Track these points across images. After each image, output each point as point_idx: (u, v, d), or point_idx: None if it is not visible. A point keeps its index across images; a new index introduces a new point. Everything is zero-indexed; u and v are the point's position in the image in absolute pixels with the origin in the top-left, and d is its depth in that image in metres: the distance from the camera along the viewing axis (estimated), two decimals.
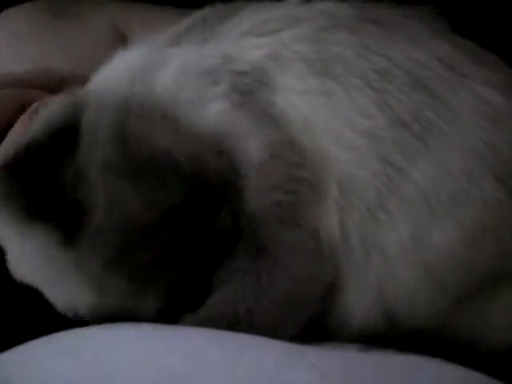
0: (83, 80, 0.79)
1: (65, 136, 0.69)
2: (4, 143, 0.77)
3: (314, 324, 0.71)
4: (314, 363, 0.62)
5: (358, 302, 0.71)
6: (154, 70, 0.73)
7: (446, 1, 0.77)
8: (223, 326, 0.68)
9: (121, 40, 0.93)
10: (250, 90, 0.72)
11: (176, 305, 0.70)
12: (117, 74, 0.74)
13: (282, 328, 0.70)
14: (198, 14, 0.78)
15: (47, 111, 0.71)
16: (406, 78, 0.72)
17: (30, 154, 0.69)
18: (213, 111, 0.71)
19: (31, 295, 0.73)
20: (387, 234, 0.70)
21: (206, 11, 0.78)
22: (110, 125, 0.70)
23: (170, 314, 0.69)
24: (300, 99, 0.72)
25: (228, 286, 0.69)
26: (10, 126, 0.78)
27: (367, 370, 0.64)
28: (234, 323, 0.69)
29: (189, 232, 0.69)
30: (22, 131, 0.75)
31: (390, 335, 0.70)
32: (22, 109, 0.79)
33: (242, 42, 0.74)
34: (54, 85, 0.84)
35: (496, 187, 0.70)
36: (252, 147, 0.70)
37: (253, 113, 0.71)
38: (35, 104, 0.78)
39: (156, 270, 0.69)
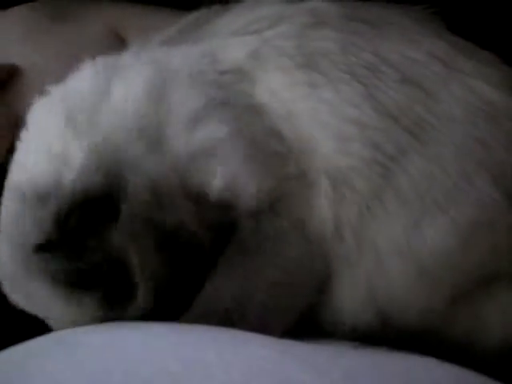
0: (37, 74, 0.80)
1: (103, 206, 0.69)
2: None
3: (307, 320, 0.71)
4: (311, 362, 0.62)
5: (350, 299, 0.71)
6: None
7: (439, 1, 0.78)
8: (215, 321, 0.68)
9: (119, 42, 0.94)
10: (230, 85, 0.73)
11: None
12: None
13: (274, 319, 0.70)
14: (193, 16, 0.79)
15: (79, 181, 0.70)
16: (395, 75, 0.72)
17: (72, 227, 0.69)
18: (200, 136, 0.71)
19: None
20: (381, 230, 0.70)
21: (200, 13, 0.79)
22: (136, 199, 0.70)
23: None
24: (283, 91, 0.72)
25: (216, 280, 0.70)
26: None
27: (363, 368, 0.64)
28: (225, 318, 0.69)
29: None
30: None
31: (384, 334, 0.71)
32: None
33: (228, 42, 0.75)
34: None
35: (490, 186, 0.70)
36: (236, 151, 0.70)
37: (235, 109, 0.72)
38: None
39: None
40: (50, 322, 0.73)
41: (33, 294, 0.72)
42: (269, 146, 0.71)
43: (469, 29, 0.78)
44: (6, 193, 0.73)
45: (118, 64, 0.75)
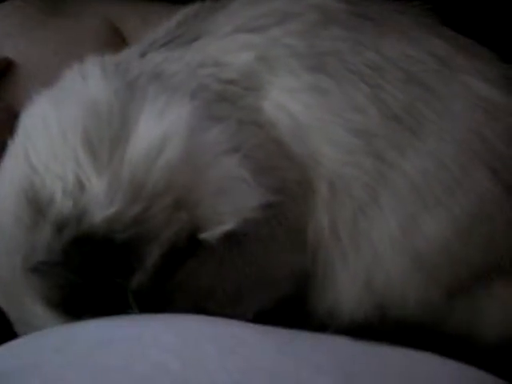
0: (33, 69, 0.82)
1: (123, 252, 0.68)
2: None
3: (305, 313, 0.72)
4: (309, 359, 0.62)
5: (348, 292, 0.72)
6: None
7: None
8: (188, 296, 0.69)
9: (116, 36, 0.93)
10: (237, 98, 0.72)
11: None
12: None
13: (243, 304, 0.71)
14: (191, 10, 0.78)
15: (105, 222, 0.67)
16: (398, 73, 0.73)
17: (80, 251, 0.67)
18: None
19: None
20: (376, 226, 0.71)
21: (198, 6, 0.78)
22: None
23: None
24: (292, 99, 0.72)
25: (195, 260, 0.69)
26: None
27: (361, 364, 0.64)
28: (196, 295, 0.70)
29: None
30: None
31: (383, 327, 0.71)
32: None
33: (231, 42, 0.75)
34: None
35: (489, 179, 0.71)
36: (231, 162, 0.70)
37: (235, 122, 0.71)
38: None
39: None
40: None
41: (22, 306, 0.71)
42: (274, 162, 0.72)
43: (465, 24, 0.78)
44: (13, 201, 0.70)
45: (130, 77, 0.73)
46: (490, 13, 0.93)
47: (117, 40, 0.92)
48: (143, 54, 0.76)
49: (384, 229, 0.71)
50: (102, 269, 0.66)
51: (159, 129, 0.69)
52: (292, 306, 0.73)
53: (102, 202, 0.67)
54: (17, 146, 0.73)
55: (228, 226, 0.68)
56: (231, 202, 0.69)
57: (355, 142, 0.71)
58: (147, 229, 0.67)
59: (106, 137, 0.69)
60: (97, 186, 0.67)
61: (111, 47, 0.81)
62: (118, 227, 0.67)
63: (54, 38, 0.91)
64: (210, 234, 0.68)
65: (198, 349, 0.61)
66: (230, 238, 0.69)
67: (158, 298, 0.68)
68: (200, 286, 0.69)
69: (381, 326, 0.71)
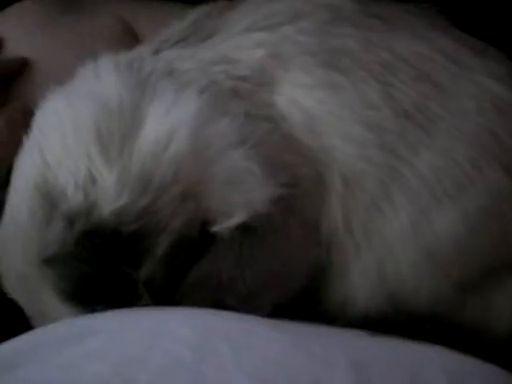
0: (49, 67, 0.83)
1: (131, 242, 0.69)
2: None
3: (318, 305, 0.73)
4: (321, 354, 0.63)
5: (361, 284, 0.72)
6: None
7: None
8: (207, 291, 0.70)
9: (129, 34, 0.94)
10: (248, 93, 0.73)
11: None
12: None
13: (263, 299, 0.72)
14: (203, 9, 0.79)
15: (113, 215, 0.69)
16: (409, 71, 0.74)
17: (95, 241, 0.69)
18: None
19: None
20: (387, 221, 0.72)
21: (210, 6, 0.79)
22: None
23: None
24: (306, 94, 0.73)
25: (214, 253, 0.71)
26: None
27: (372, 358, 0.64)
28: (216, 289, 0.70)
29: None
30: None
31: (395, 319, 0.72)
32: None
33: (244, 40, 0.75)
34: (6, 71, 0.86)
35: (500, 174, 0.72)
36: (241, 155, 0.71)
37: (244, 116, 0.72)
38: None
39: None
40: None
41: (38, 299, 0.72)
42: (285, 157, 0.72)
43: (474, 26, 0.79)
44: (28, 197, 0.72)
45: (143, 74, 0.74)
46: (498, 14, 0.93)
47: (130, 38, 0.92)
48: (156, 52, 0.77)
49: (395, 224, 0.72)
50: (112, 260, 0.68)
51: (166, 123, 0.71)
52: (305, 299, 0.73)
53: (111, 195, 0.69)
54: (31, 142, 0.74)
55: (239, 218, 0.70)
56: (240, 194, 0.70)
57: (368, 136, 0.72)
58: (155, 220, 0.69)
59: (117, 132, 0.71)
60: (107, 179, 0.69)
61: (124, 45, 0.82)
62: (127, 219, 0.69)
63: (68, 36, 0.92)
64: (223, 227, 0.70)
65: (212, 343, 0.62)
66: (246, 230, 0.70)
67: (174, 291, 0.70)
68: (220, 279, 0.70)
69: (394, 319, 0.72)
